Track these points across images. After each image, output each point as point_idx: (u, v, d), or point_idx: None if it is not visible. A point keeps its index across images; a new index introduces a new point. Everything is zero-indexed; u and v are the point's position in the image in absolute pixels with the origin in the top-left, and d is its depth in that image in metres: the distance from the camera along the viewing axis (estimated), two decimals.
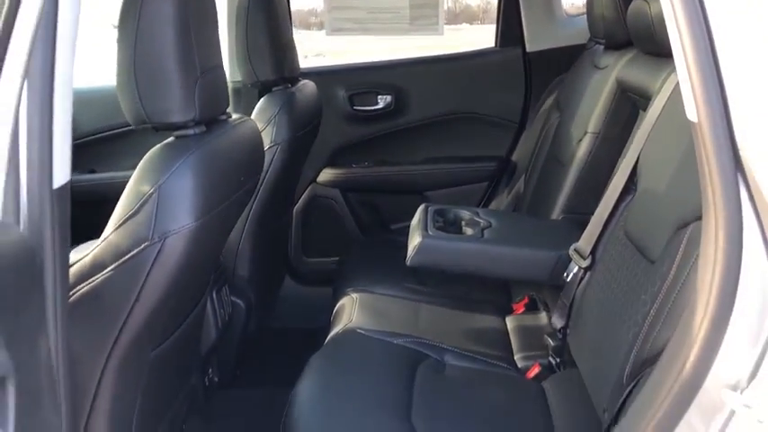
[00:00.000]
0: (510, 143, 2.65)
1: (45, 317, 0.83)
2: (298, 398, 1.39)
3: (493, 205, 2.61)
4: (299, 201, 2.59)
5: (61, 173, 0.90)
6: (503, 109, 2.63)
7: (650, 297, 1.14)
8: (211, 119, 1.27)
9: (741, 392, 0.87)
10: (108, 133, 2.44)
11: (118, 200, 1.14)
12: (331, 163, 2.61)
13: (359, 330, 1.67)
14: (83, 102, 2.19)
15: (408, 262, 1.71)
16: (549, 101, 2.47)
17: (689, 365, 0.87)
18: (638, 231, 1.32)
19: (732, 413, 0.87)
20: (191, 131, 1.19)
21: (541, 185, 2.18)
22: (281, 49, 2.00)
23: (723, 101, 0.82)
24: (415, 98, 2.62)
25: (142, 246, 1.07)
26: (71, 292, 1.08)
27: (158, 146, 1.18)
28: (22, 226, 0.88)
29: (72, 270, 1.09)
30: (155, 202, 1.08)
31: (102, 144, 2.44)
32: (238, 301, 1.94)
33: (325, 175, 2.61)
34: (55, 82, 0.88)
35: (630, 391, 1.09)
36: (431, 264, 1.75)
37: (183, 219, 1.09)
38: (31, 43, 0.86)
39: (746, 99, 0.82)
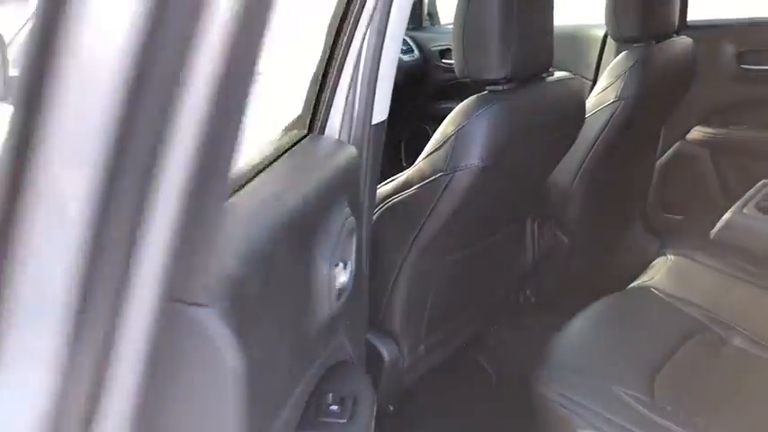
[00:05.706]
0: None
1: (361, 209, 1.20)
2: (568, 328, 1.58)
3: None
4: (664, 155, 2.58)
5: (379, 114, 1.26)
6: None
7: None
8: (525, 77, 1.48)
9: None
10: None
11: None
12: (705, 121, 2.51)
13: (653, 289, 1.73)
14: None
15: (712, 235, 1.68)
16: None
17: None
18: None
19: None
20: (500, 87, 1.43)
21: None
22: (649, 5, 2.02)
23: None
24: None
25: (438, 174, 1.39)
26: (389, 199, 1.47)
27: (473, 96, 1.45)
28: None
29: (392, 184, 1.48)
30: (453, 141, 1.37)
31: None
32: (563, 236, 2.15)
33: (696, 133, 2.53)
34: (384, 46, 1.22)
35: None
36: (737, 242, 1.68)
37: (471, 158, 1.36)
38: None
39: None
